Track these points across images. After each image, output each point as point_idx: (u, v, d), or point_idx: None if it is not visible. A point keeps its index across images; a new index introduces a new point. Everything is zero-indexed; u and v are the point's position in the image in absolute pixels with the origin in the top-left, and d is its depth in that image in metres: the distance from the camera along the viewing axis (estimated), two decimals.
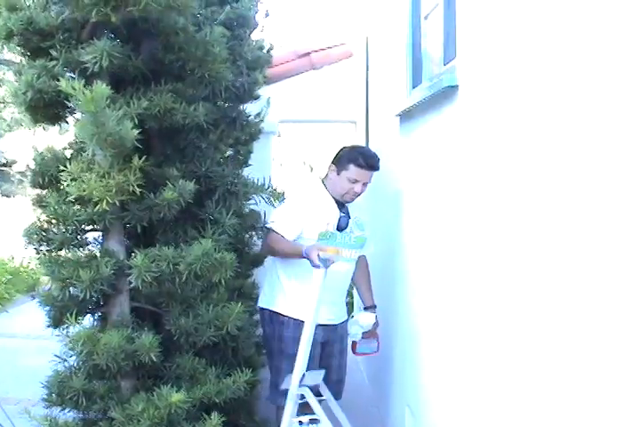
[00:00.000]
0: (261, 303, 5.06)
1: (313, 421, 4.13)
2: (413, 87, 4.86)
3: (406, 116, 4.93)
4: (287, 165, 16.55)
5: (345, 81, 8.96)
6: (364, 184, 4.85)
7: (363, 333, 4.95)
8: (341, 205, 4.93)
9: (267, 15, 6.31)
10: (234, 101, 5.07)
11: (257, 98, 5.91)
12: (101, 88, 3.39)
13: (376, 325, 5.04)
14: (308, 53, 9.00)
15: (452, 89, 3.52)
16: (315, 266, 4.32)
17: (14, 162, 32.55)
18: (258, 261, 5.94)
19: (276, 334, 4.73)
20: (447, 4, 3.87)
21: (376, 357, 4.91)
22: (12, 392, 6.92)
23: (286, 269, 4.84)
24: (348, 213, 4.97)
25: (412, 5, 4.86)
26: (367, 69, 7.99)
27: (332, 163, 4.93)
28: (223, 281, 4.03)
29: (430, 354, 4.16)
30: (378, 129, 6.94)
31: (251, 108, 5.99)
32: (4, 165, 31.83)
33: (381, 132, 6.56)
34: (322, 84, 8.98)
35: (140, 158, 3.84)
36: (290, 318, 4.74)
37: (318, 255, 4.27)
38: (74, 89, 3.39)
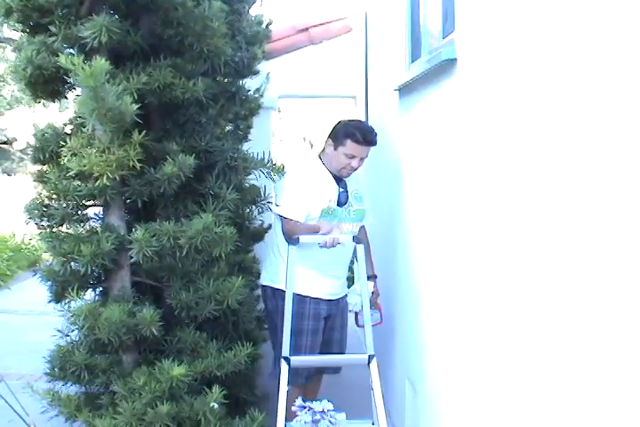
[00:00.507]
0: (263, 281, 5.09)
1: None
2: (412, 61, 4.86)
3: (405, 90, 4.92)
4: (287, 140, 16.54)
5: (344, 56, 8.95)
6: (361, 159, 4.86)
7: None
8: (339, 179, 4.94)
9: None
10: (233, 76, 5.06)
11: (256, 73, 5.91)
12: (101, 63, 3.40)
13: (376, 294, 5.06)
14: (307, 28, 8.99)
15: (451, 62, 3.53)
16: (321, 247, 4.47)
17: (15, 140, 32.52)
18: (258, 236, 5.97)
19: (279, 310, 4.74)
20: None
21: (377, 331, 4.92)
22: (15, 368, 6.97)
23: (282, 244, 4.85)
24: (346, 188, 4.99)
25: None
26: (366, 44, 7.97)
27: (329, 137, 4.94)
28: (223, 255, 4.05)
29: (431, 329, 4.19)
30: (377, 104, 6.94)
31: (250, 84, 6.00)
32: (5, 142, 31.81)
33: (381, 107, 6.56)
34: (321, 59, 8.96)
35: (139, 133, 3.86)
36: (282, 290, 4.73)
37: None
38: (73, 64, 3.40)
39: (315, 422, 3.18)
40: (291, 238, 4.55)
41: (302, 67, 8.98)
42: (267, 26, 6.55)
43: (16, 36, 15.47)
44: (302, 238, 4.43)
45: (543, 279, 2.39)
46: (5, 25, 16.70)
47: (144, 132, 3.90)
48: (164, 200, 4.30)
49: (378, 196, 5.73)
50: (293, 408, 3.80)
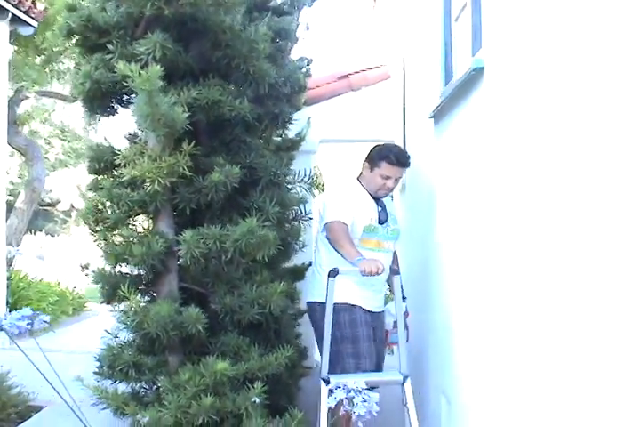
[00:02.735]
0: (310, 298, 5.22)
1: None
2: (445, 84, 5.08)
3: (439, 114, 5.13)
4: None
5: (383, 102, 9.21)
6: (396, 180, 5.18)
7: (393, 322, 5.14)
8: (376, 199, 5.20)
9: (307, 28, 6.51)
10: (277, 99, 5.29)
11: (299, 108, 6.06)
12: (156, 69, 3.69)
13: (406, 314, 5.22)
14: (347, 75, 9.27)
15: (479, 72, 3.75)
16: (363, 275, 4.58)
17: (58, 201, 33.05)
18: (299, 274, 6.05)
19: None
20: (474, 3, 4.12)
21: (413, 347, 5.07)
22: (57, 397, 7.09)
23: (326, 264, 5.01)
24: (384, 207, 5.24)
25: (444, 9, 5.11)
26: (404, 89, 8.23)
27: (366, 160, 5.25)
28: (266, 259, 4.27)
29: (464, 344, 4.28)
30: (414, 146, 7.11)
31: (292, 128, 6.16)
32: (49, 204, 32.28)
33: (418, 143, 6.74)
34: (360, 105, 9.21)
35: (189, 144, 4.12)
36: (339, 304, 4.82)
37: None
38: (131, 71, 3.68)
39: (349, 398, 3.32)
40: (332, 240, 4.81)
41: (342, 112, 9.23)
42: (306, 71, 6.68)
43: (63, 90, 15.82)
44: (342, 270, 4.55)
45: (577, 299, 2.43)
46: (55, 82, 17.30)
47: (193, 142, 4.16)
48: (211, 212, 4.53)
49: (415, 219, 5.91)
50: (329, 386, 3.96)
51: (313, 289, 5.25)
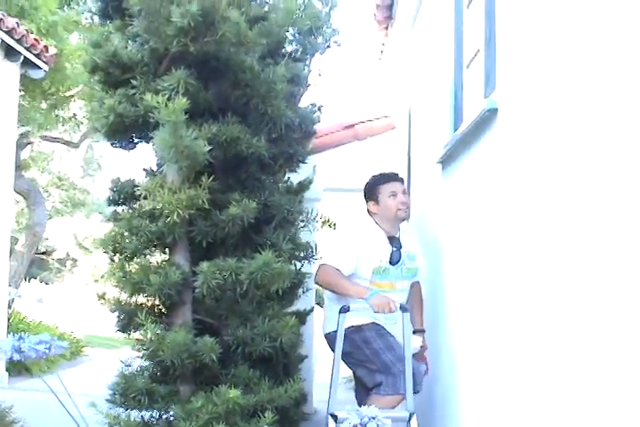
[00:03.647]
0: (326, 329, 5.23)
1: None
2: (454, 129, 5.17)
3: (447, 159, 5.23)
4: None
5: (388, 152, 9.35)
6: (404, 193, 5.27)
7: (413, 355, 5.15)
8: (392, 239, 5.21)
9: (319, 75, 6.61)
10: (292, 140, 5.38)
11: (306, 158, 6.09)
12: (182, 101, 3.83)
13: (424, 348, 5.25)
14: (353, 125, 9.41)
15: (493, 114, 3.85)
16: (375, 312, 4.69)
17: (54, 250, 33.09)
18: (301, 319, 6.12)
19: (356, 344, 4.97)
20: (488, 47, 4.24)
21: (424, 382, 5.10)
22: None
23: (338, 298, 5.06)
24: (399, 247, 5.23)
25: (456, 56, 5.24)
26: (409, 138, 8.36)
27: (367, 200, 5.35)
28: (280, 292, 4.36)
29: (471, 387, 4.35)
30: (420, 192, 7.19)
31: (296, 176, 6.21)
32: (44, 253, 32.29)
33: (423, 192, 6.83)
34: (366, 155, 9.34)
35: (208, 178, 4.24)
36: (348, 329, 4.88)
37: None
38: (158, 102, 3.81)
39: (363, 424, 3.37)
40: (324, 284, 4.98)
41: (347, 161, 9.36)
42: (317, 117, 6.73)
43: (69, 136, 16.05)
44: (353, 307, 4.65)
45: (590, 345, 2.45)
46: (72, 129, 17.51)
47: (212, 177, 4.28)
48: (225, 247, 4.62)
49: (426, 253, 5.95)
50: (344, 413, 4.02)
51: (327, 321, 5.26)
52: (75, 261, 34.02)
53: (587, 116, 2.56)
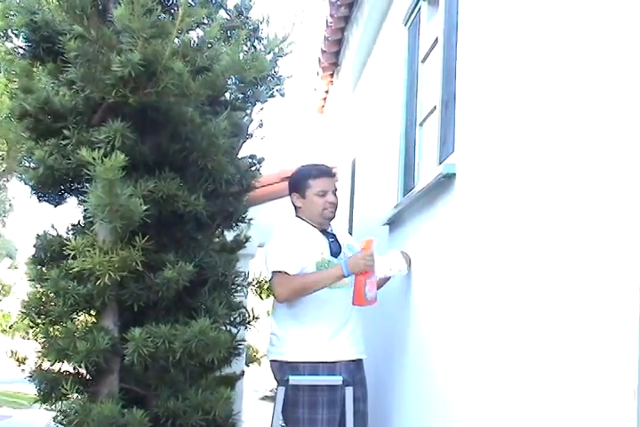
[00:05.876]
0: (277, 355, 4.51)
1: None
2: (404, 195, 4.98)
3: (397, 222, 5.03)
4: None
5: None
6: (334, 193, 4.73)
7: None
8: (325, 232, 4.77)
9: (260, 126, 6.41)
10: (231, 196, 5.14)
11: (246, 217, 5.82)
12: (120, 158, 3.56)
13: (406, 256, 4.69)
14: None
15: (449, 179, 3.66)
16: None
17: None
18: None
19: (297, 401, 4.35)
20: (446, 106, 4.07)
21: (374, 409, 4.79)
22: None
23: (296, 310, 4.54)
24: (335, 238, 4.82)
25: (406, 114, 5.07)
26: (352, 191, 8.18)
27: (291, 193, 4.78)
28: (216, 362, 4.09)
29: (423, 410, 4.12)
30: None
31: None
32: None
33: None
34: None
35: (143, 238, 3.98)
36: (307, 362, 4.36)
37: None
38: (93, 158, 3.54)
39: None
40: (294, 294, 4.38)
41: (283, 215, 9.08)
42: (257, 170, 6.46)
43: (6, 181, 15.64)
44: (292, 380, 4.11)
45: (577, 347, 2.31)
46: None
47: (146, 237, 4.01)
48: (156, 311, 4.35)
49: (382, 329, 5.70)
50: None
51: (280, 342, 4.52)
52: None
53: (556, 188, 2.41)
